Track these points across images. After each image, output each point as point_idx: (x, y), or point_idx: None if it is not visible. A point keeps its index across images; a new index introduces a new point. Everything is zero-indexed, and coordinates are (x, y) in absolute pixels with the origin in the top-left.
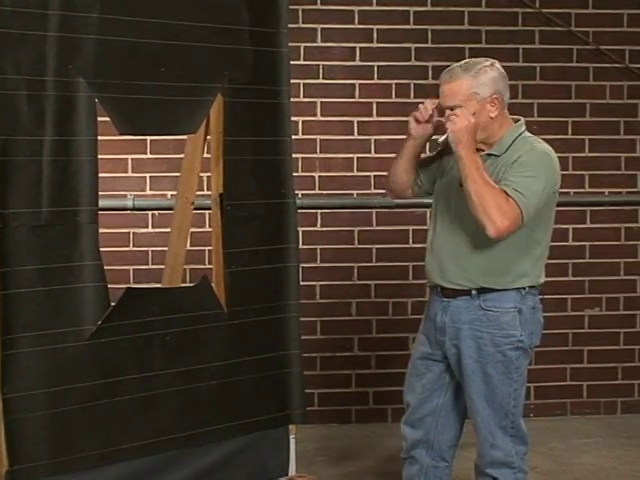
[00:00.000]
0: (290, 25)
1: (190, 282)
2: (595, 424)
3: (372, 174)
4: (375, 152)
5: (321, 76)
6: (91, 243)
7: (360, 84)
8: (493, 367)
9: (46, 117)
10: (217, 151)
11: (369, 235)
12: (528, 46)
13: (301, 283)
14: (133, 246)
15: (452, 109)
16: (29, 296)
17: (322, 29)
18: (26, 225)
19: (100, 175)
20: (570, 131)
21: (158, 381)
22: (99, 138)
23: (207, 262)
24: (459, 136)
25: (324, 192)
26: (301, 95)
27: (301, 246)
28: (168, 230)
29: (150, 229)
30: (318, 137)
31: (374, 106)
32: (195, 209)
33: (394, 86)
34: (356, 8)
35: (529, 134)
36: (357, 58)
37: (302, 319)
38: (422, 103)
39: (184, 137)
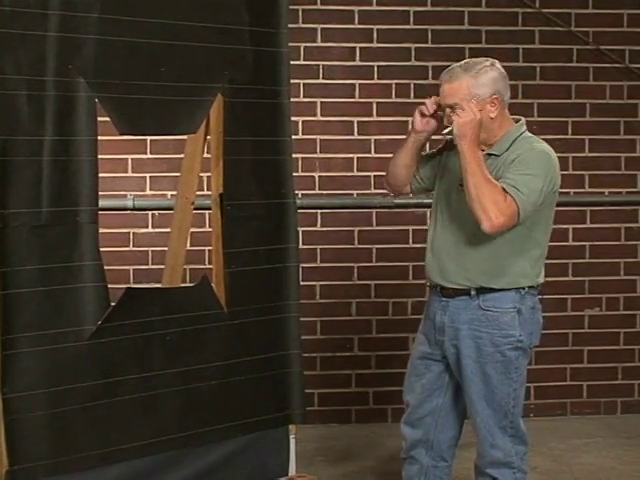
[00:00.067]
0: (290, 25)
1: (190, 282)
2: (595, 424)
3: (372, 174)
4: (375, 152)
5: (321, 76)
6: (91, 243)
7: (360, 84)
8: (492, 367)
9: (46, 117)
10: (217, 151)
11: (369, 235)
12: (528, 46)
13: (301, 283)
14: (133, 246)
15: (452, 108)
16: (29, 296)
17: (322, 29)
18: (26, 225)
19: (100, 175)
20: (570, 131)
21: (158, 381)
22: (99, 138)
23: (207, 262)
24: (464, 130)
25: (324, 192)
26: (301, 95)
27: (301, 246)
28: (168, 230)
29: (150, 229)
30: (318, 137)
31: (374, 106)
32: (195, 209)
33: (394, 86)
34: (356, 8)
35: (529, 134)
36: (357, 58)
37: (302, 319)
38: (425, 100)
39: (184, 137)
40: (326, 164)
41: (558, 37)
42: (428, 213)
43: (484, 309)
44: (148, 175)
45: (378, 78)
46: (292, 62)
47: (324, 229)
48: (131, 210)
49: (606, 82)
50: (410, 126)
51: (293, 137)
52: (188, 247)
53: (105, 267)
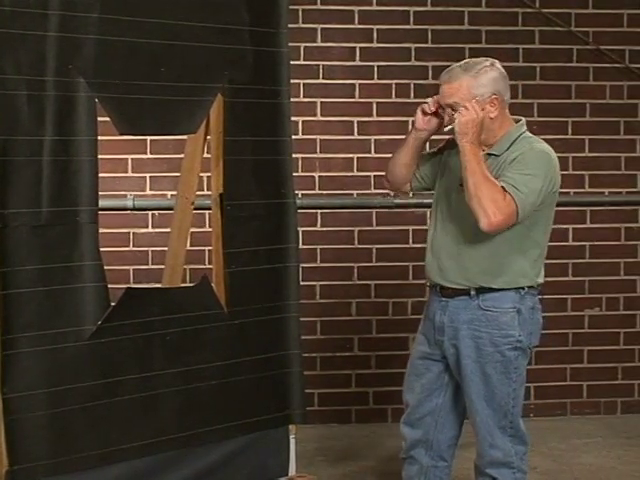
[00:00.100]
0: (290, 25)
1: (190, 282)
2: (595, 424)
3: (372, 174)
4: (375, 152)
5: (321, 76)
6: (91, 243)
7: (360, 84)
8: (492, 367)
9: (46, 117)
10: (217, 151)
11: (369, 235)
12: (528, 46)
13: (301, 283)
14: (133, 246)
15: (452, 107)
16: (29, 296)
17: (322, 29)
18: (26, 225)
19: (100, 175)
20: (570, 131)
21: (158, 381)
22: (99, 138)
23: (207, 262)
24: (465, 128)
25: (324, 192)
26: (301, 95)
27: (301, 246)
28: (168, 230)
29: (150, 229)
30: (318, 137)
31: (374, 106)
32: (195, 209)
33: (394, 86)
34: (356, 8)
35: (530, 134)
36: (357, 58)
37: (302, 319)
38: (425, 101)
39: (184, 137)
40: (326, 164)
41: (558, 37)
42: (428, 213)
43: (484, 309)
44: (148, 175)
45: (378, 78)
46: (292, 62)
47: (324, 229)
48: (131, 210)
49: (606, 82)
50: (411, 124)
51: (293, 137)
52: (188, 247)
53: (105, 267)
